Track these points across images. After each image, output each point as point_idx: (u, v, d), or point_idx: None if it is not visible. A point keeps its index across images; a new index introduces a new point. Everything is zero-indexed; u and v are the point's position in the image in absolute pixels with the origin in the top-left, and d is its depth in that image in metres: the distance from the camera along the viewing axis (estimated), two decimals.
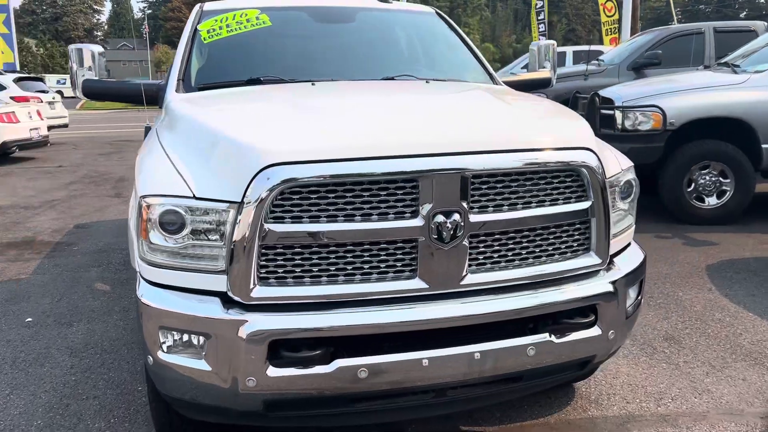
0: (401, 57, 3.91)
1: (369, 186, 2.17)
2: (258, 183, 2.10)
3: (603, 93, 7.47)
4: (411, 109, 2.76)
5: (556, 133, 2.48)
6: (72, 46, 3.59)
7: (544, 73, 4.11)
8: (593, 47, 13.39)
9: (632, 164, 2.78)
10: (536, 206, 2.35)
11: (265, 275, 2.18)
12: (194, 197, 2.20)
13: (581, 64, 10.05)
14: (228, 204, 2.15)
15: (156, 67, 62.56)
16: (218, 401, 2.27)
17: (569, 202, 2.41)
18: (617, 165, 2.61)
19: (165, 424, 2.70)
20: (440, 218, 2.19)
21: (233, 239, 2.13)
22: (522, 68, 13.19)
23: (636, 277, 2.66)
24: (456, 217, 2.21)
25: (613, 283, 2.49)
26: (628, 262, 2.65)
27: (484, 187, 2.26)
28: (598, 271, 2.51)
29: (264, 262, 2.17)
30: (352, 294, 2.23)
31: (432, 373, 2.25)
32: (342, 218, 2.17)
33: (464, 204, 2.22)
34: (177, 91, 3.32)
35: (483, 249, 2.33)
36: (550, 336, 2.38)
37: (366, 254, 2.22)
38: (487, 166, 2.23)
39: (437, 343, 2.26)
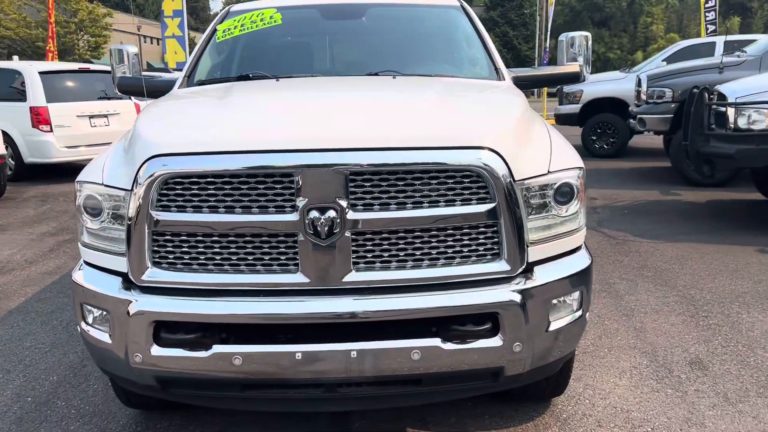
0: (397, 52, 3.86)
1: (247, 179, 2.23)
2: (143, 172, 2.26)
3: (719, 88, 6.74)
4: (326, 106, 2.76)
5: (454, 132, 2.36)
6: (112, 47, 4.01)
7: (571, 68, 3.84)
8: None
9: (578, 166, 2.55)
10: (429, 207, 2.27)
11: (158, 260, 2.34)
12: (103, 184, 2.42)
13: (726, 54, 9.05)
14: (124, 192, 2.33)
15: None
16: (123, 373, 2.47)
17: (469, 204, 2.29)
18: (544, 166, 2.42)
19: (119, 394, 2.96)
20: (315, 214, 2.20)
21: (128, 224, 2.31)
22: (662, 60, 12.18)
23: (563, 288, 2.46)
24: (331, 213, 2.20)
25: (521, 292, 2.33)
26: (554, 271, 2.45)
27: (367, 184, 2.23)
28: (508, 279, 2.36)
29: (156, 248, 2.33)
30: (238, 284, 2.31)
31: (307, 367, 2.27)
32: (223, 210, 2.26)
33: (341, 201, 2.21)
34: (180, 86, 3.59)
35: (371, 248, 2.29)
36: (443, 342, 2.29)
37: (250, 246, 2.30)
38: (366, 164, 2.20)
39: (314, 338, 2.28)
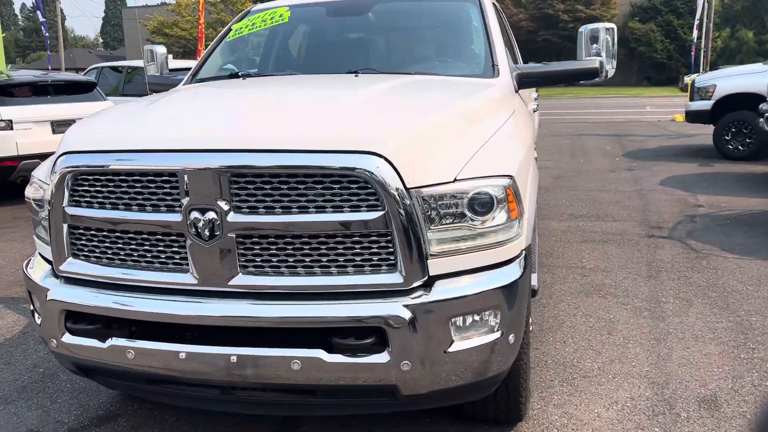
0: (390, 50, 3.71)
1: (140, 178, 2.28)
2: (56, 168, 2.39)
3: None
4: (240, 106, 2.71)
5: (342, 135, 2.23)
6: (145, 47, 4.26)
7: (588, 63, 3.49)
8: None
9: (500, 173, 2.32)
10: (316, 212, 2.18)
11: (75, 252, 2.46)
12: (37, 178, 2.58)
13: None
14: (46, 185, 2.47)
15: None
16: (52, 354, 2.63)
17: (358, 211, 2.17)
18: (451, 173, 2.23)
19: None
20: (195, 215, 2.20)
21: (48, 217, 2.45)
22: None
23: (471, 305, 2.25)
24: (211, 215, 2.19)
25: (411, 307, 2.17)
26: (461, 287, 2.25)
27: (250, 187, 2.19)
28: (404, 292, 2.21)
29: (73, 240, 2.45)
30: (138, 280, 2.37)
31: (191, 367, 2.28)
32: (122, 207, 2.33)
33: (222, 203, 2.18)
34: (184, 83, 3.73)
35: (259, 252, 2.25)
36: (327, 354, 2.20)
37: (147, 244, 2.34)
38: (246, 165, 2.16)
39: (203, 339, 2.28)
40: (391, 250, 2.19)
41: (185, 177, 2.19)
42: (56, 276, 2.50)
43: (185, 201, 2.21)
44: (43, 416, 3.19)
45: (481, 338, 2.31)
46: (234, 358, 2.22)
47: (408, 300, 2.18)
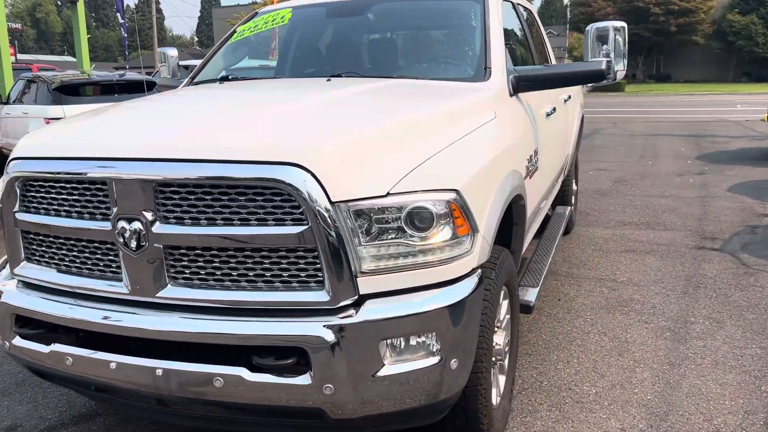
0: (380, 52, 3.56)
1: (76, 185, 2.27)
2: (5, 173, 2.42)
3: None
4: (192, 114, 2.63)
5: (263, 145, 2.12)
6: (158, 49, 4.31)
7: (593, 65, 3.24)
8: None
9: (444, 188, 2.16)
10: (241, 225, 2.10)
11: (28, 256, 2.49)
12: None
13: None
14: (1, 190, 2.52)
15: (568, 52, 63.14)
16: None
17: (283, 225, 2.07)
18: (385, 187, 2.08)
19: None
20: (122, 224, 2.17)
21: (2, 220, 2.50)
22: None
23: (404, 327, 2.11)
24: (137, 225, 2.15)
25: (334, 327, 2.05)
26: (395, 307, 2.11)
27: (176, 197, 2.13)
28: (332, 311, 2.10)
29: (26, 245, 2.48)
30: (81, 287, 2.37)
31: (122, 377, 2.25)
32: (63, 214, 2.33)
33: (147, 213, 2.14)
34: (181, 87, 3.74)
35: (187, 264, 2.19)
36: (250, 372, 2.12)
37: (87, 251, 2.34)
38: (169, 175, 2.11)
39: (128, 350, 2.25)
40: (319, 266, 2.08)
41: (113, 186, 2.16)
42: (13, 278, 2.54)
43: (114, 210, 2.18)
44: (31, 411, 3.28)
45: (416, 363, 2.16)
46: (159, 372, 2.18)
47: (333, 320, 2.07)
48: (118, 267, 2.27)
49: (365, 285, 2.10)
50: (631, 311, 4.31)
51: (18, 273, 2.49)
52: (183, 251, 2.18)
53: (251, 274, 2.14)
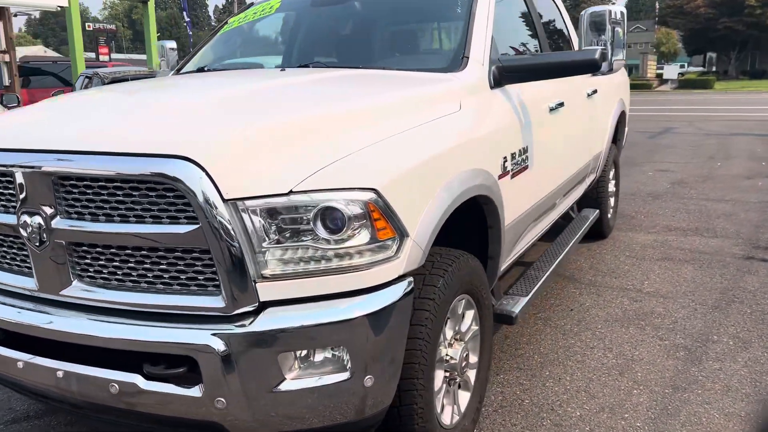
0: (355, 41, 3.33)
1: None
2: None
3: None
4: (116, 106, 2.49)
5: (155, 138, 1.97)
6: (157, 42, 4.27)
7: (584, 54, 2.92)
8: None
9: (356, 186, 1.95)
10: (136, 222, 1.97)
11: None
12: None
13: None
14: None
15: (656, 48, 60.30)
16: None
17: (177, 223, 1.92)
18: (288, 184, 1.89)
19: None
20: (24, 218, 2.08)
21: None
22: None
23: (308, 340, 1.92)
24: (38, 219, 2.06)
25: (224, 336, 1.89)
26: (297, 316, 1.93)
27: (75, 191, 2.02)
28: (228, 318, 1.93)
29: None
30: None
31: (29, 377, 2.17)
32: None
33: (46, 207, 2.04)
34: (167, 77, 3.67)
35: (90, 261, 2.08)
36: (145, 380, 1.99)
37: (4, 245, 2.27)
38: (62, 168, 2.00)
39: (36, 349, 2.17)
40: (215, 269, 1.92)
41: (16, 178, 2.07)
42: None
43: (18, 203, 2.09)
44: (2, 403, 3.28)
45: (322, 379, 1.97)
46: (60, 374, 2.08)
47: (226, 328, 1.90)
48: (29, 262, 2.19)
49: (267, 291, 1.92)
50: (648, 326, 3.94)
51: None
52: (86, 248, 2.07)
53: (150, 275, 2.01)
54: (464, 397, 2.72)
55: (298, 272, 1.94)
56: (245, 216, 1.87)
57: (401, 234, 2.07)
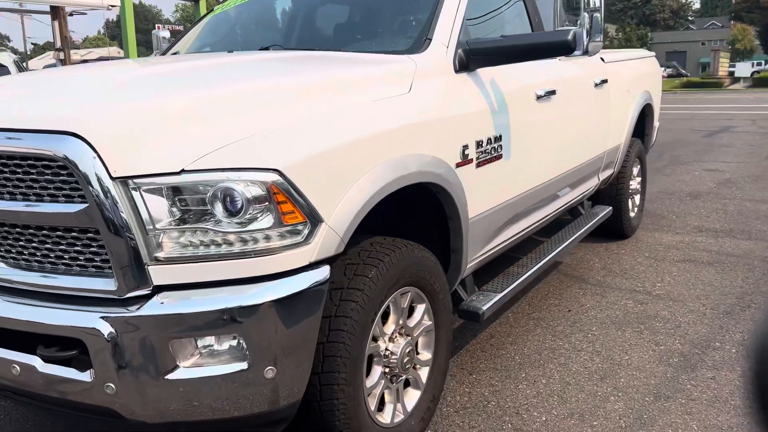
0: (319, 24, 3.22)
1: None
2: None
3: None
4: (36, 84, 2.44)
5: (45, 113, 1.92)
6: (153, 32, 4.28)
7: (556, 35, 2.74)
8: None
9: (256, 166, 1.85)
10: (34, 200, 1.93)
11: None
12: None
13: None
14: None
15: (730, 45, 57.60)
16: None
17: (70, 202, 1.87)
18: (181, 162, 1.81)
19: None
20: None
21: None
22: None
23: (199, 325, 1.84)
24: None
25: (111, 320, 1.82)
26: (190, 301, 1.85)
27: None
28: (120, 301, 1.87)
29: None
30: None
31: None
32: None
33: None
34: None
35: (1, 241, 2.06)
36: (43, 362, 1.95)
37: None
38: None
39: None
40: (106, 251, 1.86)
41: None
42: None
43: None
44: None
45: (217, 368, 1.88)
46: None
47: (115, 311, 1.84)
48: None
49: (161, 275, 1.85)
50: (647, 329, 3.68)
51: None
52: None
53: (52, 255, 1.97)
54: (413, 396, 2.59)
55: (197, 255, 1.86)
56: (136, 195, 1.80)
57: (314, 219, 1.96)
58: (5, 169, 1.94)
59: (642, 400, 2.91)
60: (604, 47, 4.31)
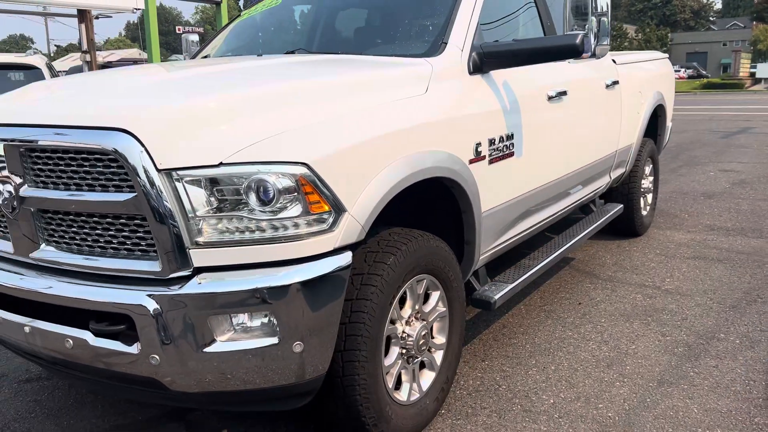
0: (341, 29, 3.40)
1: None
2: None
3: None
4: (85, 86, 2.65)
5: (98, 112, 2.13)
6: (183, 36, 4.51)
7: (565, 39, 2.90)
8: None
9: (287, 160, 2.04)
10: (87, 190, 2.14)
11: None
12: None
13: None
14: None
15: (752, 45, 56.97)
16: None
17: (120, 191, 2.08)
18: (219, 155, 2.01)
19: None
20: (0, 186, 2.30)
21: None
22: None
23: (235, 303, 2.03)
24: (9, 187, 2.27)
25: (156, 297, 2.02)
26: (229, 282, 2.04)
27: (39, 162, 2.22)
28: (164, 281, 2.07)
29: None
30: None
31: (6, 333, 2.39)
32: None
33: (15, 176, 2.25)
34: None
35: (55, 227, 2.27)
36: (94, 336, 2.16)
37: None
38: (27, 140, 2.19)
39: (14, 308, 2.37)
40: (152, 235, 2.06)
41: None
42: None
43: None
44: (22, 365, 3.57)
45: (251, 342, 2.08)
46: (27, 329, 2.28)
47: (160, 290, 2.04)
48: (6, 227, 2.40)
49: (201, 257, 2.05)
50: (654, 321, 3.83)
51: None
52: (50, 215, 2.26)
53: (101, 240, 2.18)
54: (428, 377, 2.76)
55: (233, 240, 2.06)
56: (179, 185, 2.00)
57: (338, 209, 2.15)
58: (60, 162, 2.15)
59: (646, 385, 3.07)
60: (624, 48, 4.46)
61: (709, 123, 16.45)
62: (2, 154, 2.26)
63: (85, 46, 12.82)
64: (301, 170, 2.06)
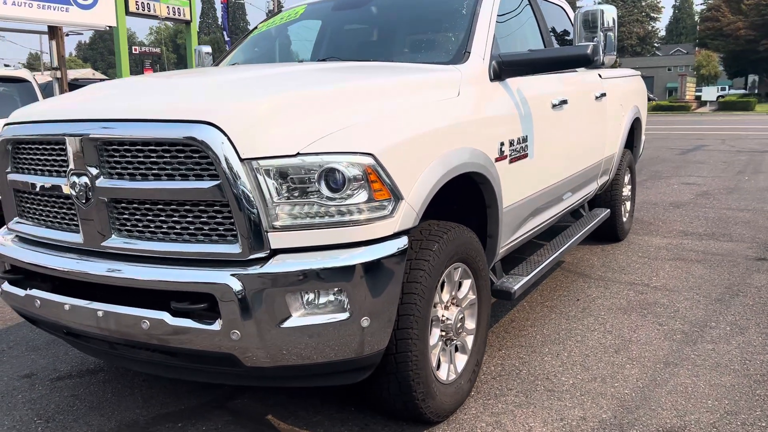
0: (370, 39, 3.66)
1: (46, 146, 2.57)
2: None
3: None
4: (150, 86, 2.84)
5: (182, 106, 2.31)
6: (195, 47, 4.67)
7: (577, 50, 3.19)
8: None
9: (355, 150, 2.24)
10: (167, 179, 2.30)
11: (19, 212, 2.83)
12: None
13: None
14: None
15: (695, 70, 59.59)
16: None
17: (201, 180, 2.25)
18: (295, 146, 2.20)
19: None
20: (74, 179, 2.43)
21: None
22: None
23: (311, 282, 2.20)
24: (84, 179, 2.40)
25: (239, 276, 2.19)
26: (303, 262, 2.21)
27: (116, 155, 2.37)
28: (243, 263, 2.24)
29: (16, 201, 2.82)
30: (45, 237, 2.66)
31: (75, 319, 2.50)
32: (38, 172, 2.64)
33: (92, 168, 2.39)
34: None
35: (128, 216, 2.41)
36: (172, 316, 2.30)
37: (56, 206, 2.63)
38: (106, 134, 2.34)
39: (83, 293, 2.49)
40: (233, 220, 2.23)
41: (69, 144, 2.43)
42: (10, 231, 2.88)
43: (69, 166, 2.44)
44: (49, 364, 3.63)
45: (324, 317, 2.25)
46: (101, 313, 2.40)
47: (242, 270, 2.20)
48: (76, 220, 2.53)
49: (277, 240, 2.22)
50: (650, 314, 4.12)
51: (11, 228, 2.82)
52: (124, 204, 2.40)
53: (178, 226, 2.33)
54: (461, 359, 2.97)
55: (306, 224, 2.24)
56: (259, 174, 2.18)
57: (396, 196, 2.35)
58: (139, 154, 2.30)
59: (654, 367, 3.33)
60: None
61: (665, 141, 17.22)
62: (78, 148, 2.40)
63: (55, 63, 12.74)
64: (368, 160, 2.26)
